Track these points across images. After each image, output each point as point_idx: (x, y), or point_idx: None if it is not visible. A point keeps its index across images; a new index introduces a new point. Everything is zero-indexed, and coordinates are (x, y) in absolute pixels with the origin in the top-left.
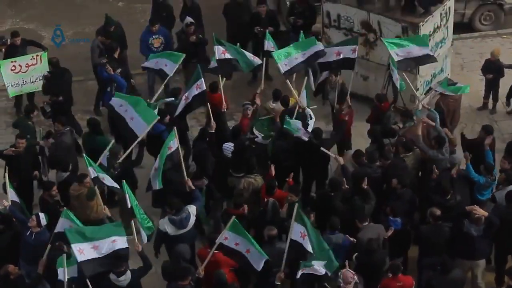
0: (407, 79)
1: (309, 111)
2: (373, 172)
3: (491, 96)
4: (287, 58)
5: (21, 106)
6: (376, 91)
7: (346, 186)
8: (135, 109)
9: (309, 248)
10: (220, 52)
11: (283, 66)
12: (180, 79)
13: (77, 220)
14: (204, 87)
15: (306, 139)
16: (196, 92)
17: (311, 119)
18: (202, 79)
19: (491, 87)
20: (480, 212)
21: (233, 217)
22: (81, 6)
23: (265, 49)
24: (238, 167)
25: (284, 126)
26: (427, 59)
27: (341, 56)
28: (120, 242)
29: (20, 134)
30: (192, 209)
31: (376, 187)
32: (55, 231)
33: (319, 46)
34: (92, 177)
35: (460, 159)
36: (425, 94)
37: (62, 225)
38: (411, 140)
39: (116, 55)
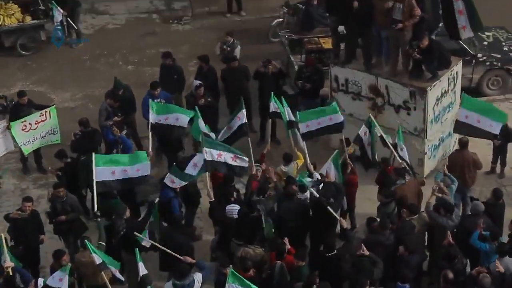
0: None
1: (317, 175)
2: (386, 240)
3: (499, 161)
4: (310, 120)
5: (27, 161)
6: (384, 156)
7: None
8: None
9: None
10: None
11: (304, 128)
12: (189, 141)
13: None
14: (245, 120)
15: (317, 195)
16: (239, 123)
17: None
18: (244, 110)
19: (499, 152)
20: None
21: (230, 266)
22: (91, 69)
23: (271, 110)
24: (239, 235)
25: (298, 178)
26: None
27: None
28: (143, 169)
29: (27, 197)
30: (198, 276)
31: (389, 254)
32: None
33: (340, 117)
34: (98, 263)
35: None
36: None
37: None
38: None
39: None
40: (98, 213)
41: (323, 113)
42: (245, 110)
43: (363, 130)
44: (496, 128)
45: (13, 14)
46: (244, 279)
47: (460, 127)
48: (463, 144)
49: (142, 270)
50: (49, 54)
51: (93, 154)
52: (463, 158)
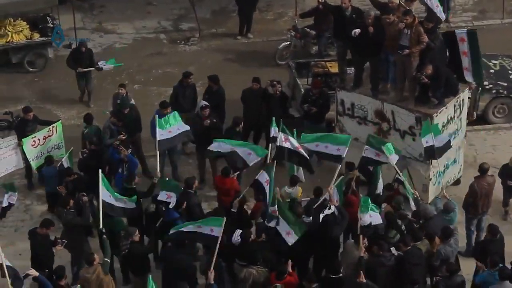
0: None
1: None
2: (387, 261)
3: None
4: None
5: (32, 178)
6: (389, 180)
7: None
8: None
9: None
10: (282, 139)
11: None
12: (193, 162)
13: None
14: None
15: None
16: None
17: (328, 209)
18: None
19: (510, 191)
20: None
21: None
22: (98, 88)
23: (271, 135)
24: (242, 256)
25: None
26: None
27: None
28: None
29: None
30: None
31: (390, 275)
32: None
33: (343, 149)
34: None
35: None
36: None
37: None
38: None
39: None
40: (104, 230)
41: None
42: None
43: (371, 153)
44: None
45: (21, 31)
46: None
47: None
48: (484, 171)
49: None
50: (56, 71)
51: (100, 172)
52: (488, 184)
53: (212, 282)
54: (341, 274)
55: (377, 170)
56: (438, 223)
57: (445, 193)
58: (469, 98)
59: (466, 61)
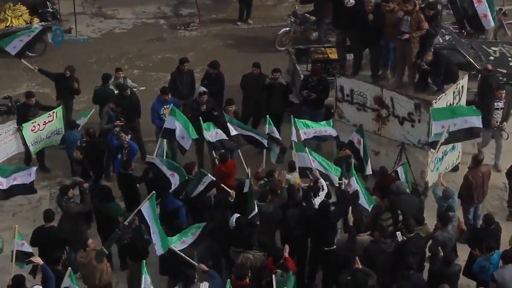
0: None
1: (322, 181)
2: (388, 248)
3: None
4: (307, 128)
5: (30, 162)
6: (388, 167)
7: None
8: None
9: None
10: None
11: (303, 135)
12: (192, 148)
13: (76, 282)
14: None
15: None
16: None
17: (322, 190)
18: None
19: None
20: None
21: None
22: (97, 72)
23: (266, 132)
24: (237, 242)
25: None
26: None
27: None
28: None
29: None
30: (204, 286)
31: (389, 262)
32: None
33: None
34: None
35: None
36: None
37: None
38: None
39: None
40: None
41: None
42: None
43: (355, 137)
44: (472, 122)
45: (21, 15)
46: None
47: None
48: (479, 161)
49: (145, 283)
50: (55, 56)
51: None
52: (483, 173)
53: (206, 269)
54: (334, 246)
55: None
56: (410, 202)
57: (442, 181)
58: (501, 108)
59: (482, 8)
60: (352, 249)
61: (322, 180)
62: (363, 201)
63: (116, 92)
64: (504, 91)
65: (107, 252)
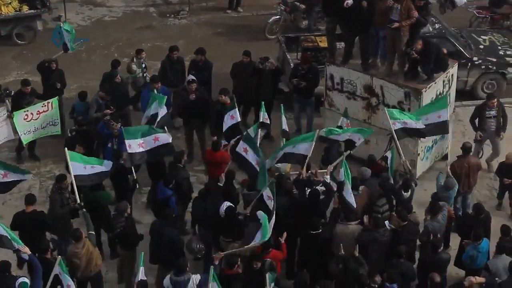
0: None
1: (327, 177)
2: (381, 236)
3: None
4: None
5: (22, 151)
6: (378, 155)
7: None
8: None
9: None
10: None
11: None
12: (181, 136)
13: (66, 271)
14: (239, 118)
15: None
16: (232, 122)
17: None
18: (236, 109)
19: (506, 188)
20: (478, 280)
21: (211, 267)
22: (87, 61)
23: (260, 120)
24: (227, 232)
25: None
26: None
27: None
28: (163, 138)
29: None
30: (196, 278)
31: (383, 251)
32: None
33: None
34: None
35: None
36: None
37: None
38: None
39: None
40: (82, 204)
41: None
42: (237, 109)
43: (343, 122)
44: (444, 115)
45: (10, 3)
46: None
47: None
48: (467, 150)
49: (142, 275)
50: (45, 44)
51: (66, 150)
52: (469, 163)
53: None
54: (320, 230)
55: None
56: (372, 187)
57: (448, 169)
58: (494, 116)
59: None
60: (331, 231)
61: (327, 176)
62: (349, 196)
63: (140, 72)
64: (495, 100)
65: (94, 234)
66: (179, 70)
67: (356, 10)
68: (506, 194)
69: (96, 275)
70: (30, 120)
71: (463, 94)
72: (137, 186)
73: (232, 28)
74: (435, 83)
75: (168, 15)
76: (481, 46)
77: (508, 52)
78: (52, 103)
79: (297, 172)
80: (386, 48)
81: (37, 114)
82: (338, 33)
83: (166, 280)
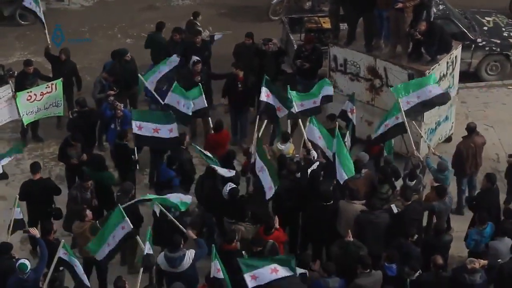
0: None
1: (313, 153)
2: (375, 218)
3: None
4: (304, 100)
5: (27, 134)
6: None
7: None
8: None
9: None
10: (265, 94)
11: (298, 106)
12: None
13: (72, 253)
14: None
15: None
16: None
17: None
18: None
19: None
20: (481, 263)
21: (212, 245)
22: (90, 41)
23: (261, 98)
24: (230, 213)
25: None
26: (441, 99)
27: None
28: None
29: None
30: (190, 253)
31: (379, 233)
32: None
33: (330, 89)
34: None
35: None
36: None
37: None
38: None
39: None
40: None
41: (314, 95)
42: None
43: (348, 106)
44: (436, 90)
45: None
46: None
47: (409, 112)
48: (472, 130)
49: (148, 249)
50: (48, 24)
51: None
52: (475, 143)
53: (194, 236)
54: (332, 201)
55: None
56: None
57: (434, 151)
58: None
59: None
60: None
61: (313, 151)
62: (340, 172)
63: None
64: None
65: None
66: (182, 51)
67: None
68: None
69: None
70: (33, 101)
71: (467, 76)
72: (137, 167)
73: (236, 9)
74: (438, 64)
75: None
76: (485, 28)
77: None
78: (56, 84)
79: (297, 156)
80: (390, 29)
81: (40, 95)
82: (342, 14)
83: (161, 257)
